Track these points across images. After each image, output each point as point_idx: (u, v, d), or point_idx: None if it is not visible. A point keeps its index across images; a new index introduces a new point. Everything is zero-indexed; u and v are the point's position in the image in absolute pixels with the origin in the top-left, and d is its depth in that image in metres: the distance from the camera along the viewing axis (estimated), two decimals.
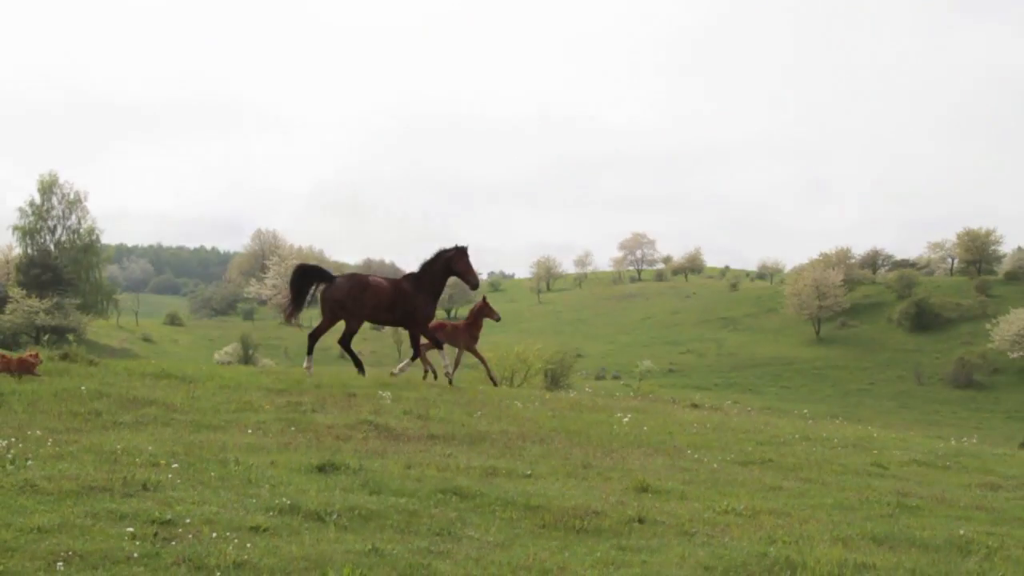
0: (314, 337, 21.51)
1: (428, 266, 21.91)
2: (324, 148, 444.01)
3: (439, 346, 22.17)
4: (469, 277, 21.83)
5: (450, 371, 22.27)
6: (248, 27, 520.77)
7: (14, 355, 16.45)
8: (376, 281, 21.68)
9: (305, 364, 21.69)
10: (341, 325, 21.64)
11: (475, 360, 24.10)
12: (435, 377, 22.99)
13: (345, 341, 22.02)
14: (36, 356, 16.46)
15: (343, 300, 21.00)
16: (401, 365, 22.62)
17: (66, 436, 11.01)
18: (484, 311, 23.39)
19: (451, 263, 21.74)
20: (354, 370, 21.96)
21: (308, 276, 21.63)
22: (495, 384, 24.23)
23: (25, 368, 15.84)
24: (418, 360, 22.91)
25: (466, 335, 23.69)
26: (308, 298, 21.70)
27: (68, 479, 8.71)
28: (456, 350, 24.19)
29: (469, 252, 21.99)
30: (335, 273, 22.01)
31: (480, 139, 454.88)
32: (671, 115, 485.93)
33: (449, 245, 21.92)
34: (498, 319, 23.58)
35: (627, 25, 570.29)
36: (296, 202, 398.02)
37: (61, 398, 13.38)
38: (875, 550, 8.94)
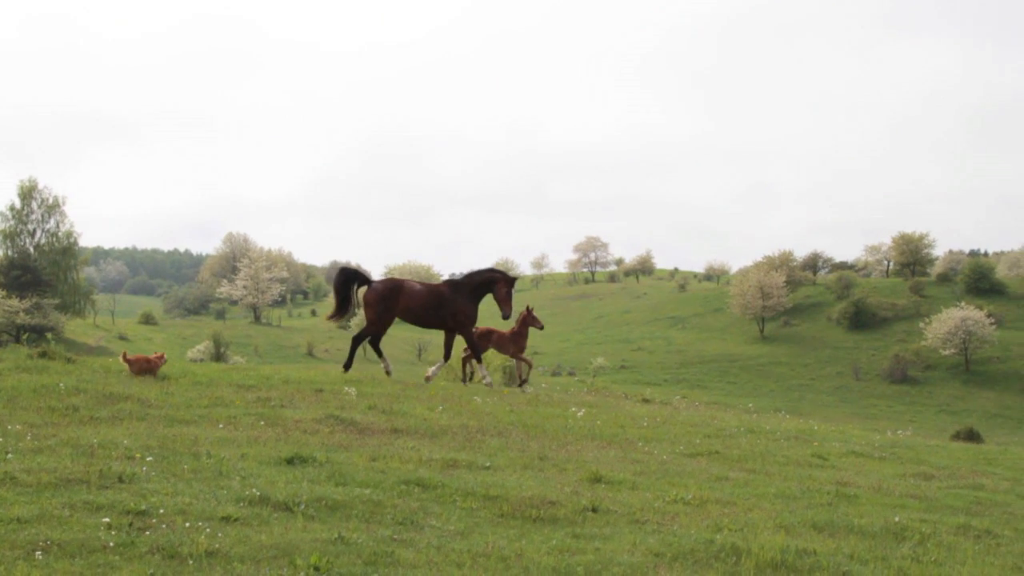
0: (357, 339, 22.05)
1: (471, 277, 22.20)
2: (293, 156, 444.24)
3: (478, 357, 22.40)
4: (504, 307, 22.09)
5: (488, 380, 22.52)
6: (221, 44, 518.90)
7: (147, 356, 17.24)
8: (410, 285, 21.92)
9: (384, 367, 22.61)
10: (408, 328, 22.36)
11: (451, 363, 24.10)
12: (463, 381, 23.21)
13: (374, 340, 22.38)
14: (161, 357, 17.30)
15: (375, 302, 21.29)
16: (432, 369, 22.66)
17: (45, 430, 10.92)
18: (529, 320, 23.40)
19: (494, 285, 22.02)
20: (324, 367, 22.09)
21: (349, 280, 21.94)
22: (522, 388, 24.34)
23: (150, 368, 16.75)
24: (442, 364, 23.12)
25: (512, 344, 23.76)
26: (352, 301, 22.09)
27: (46, 472, 8.64)
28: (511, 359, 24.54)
29: (515, 287, 22.28)
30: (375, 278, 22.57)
31: (444, 149, 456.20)
32: (624, 125, 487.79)
33: (505, 270, 22.31)
34: (542, 327, 23.62)
35: (582, 39, 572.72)
36: (266, 206, 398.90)
37: (40, 394, 13.25)
38: (816, 536, 9.01)
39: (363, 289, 21.96)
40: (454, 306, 21.64)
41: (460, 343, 23.64)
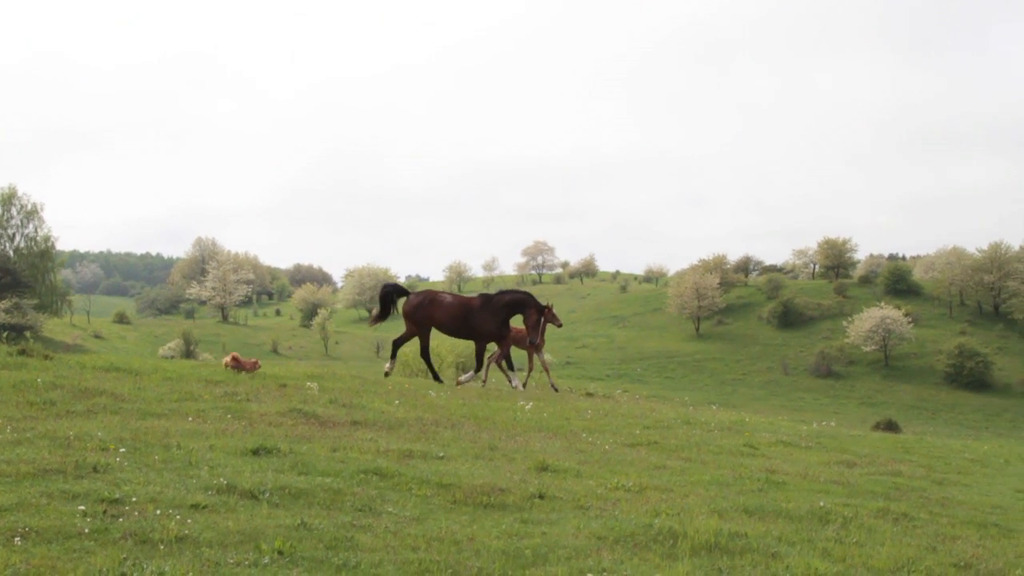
0: (397, 344, 22.39)
1: (503, 294, 22.34)
2: (259, 167, 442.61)
3: (509, 362, 22.61)
4: (532, 333, 22.21)
5: (516, 383, 22.59)
6: (190, 51, 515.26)
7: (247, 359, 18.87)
8: (442, 297, 22.12)
9: (387, 366, 22.91)
10: (444, 337, 22.81)
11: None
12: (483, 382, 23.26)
13: (423, 350, 22.74)
14: (256, 363, 18.86)
15: (412, 312, 21.56)
16: (466, 375, 22.70)
17: (23, 423, 10.79)
18: (548, 317, 23.24)
19: (525, 308, 22.13)
20: (287, 364, 22.30)
21: (390, 293, 22.37)
22: (556, 390, 24.37)
23: (247, 368, 18.28)
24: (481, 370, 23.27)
25: (529, 343, 23.66)
26: (392, 310, 22.86)
27: (25, 463, 8.55)
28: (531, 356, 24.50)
29: (544, 316, 22.42)
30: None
31: (403, 161, 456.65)
32: (570, 139, 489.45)
33: (541, 299, 22.57)
34: (560, 326, 23.49)
35: (532, 59, 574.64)
36: (233, 213, 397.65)
37: (19, 389, 13.07)
38: (747, 520, 9.08)
39: (402, 300, 22.48)
40: (481, 319, 21.78)
41: (447, 343, 23.73)
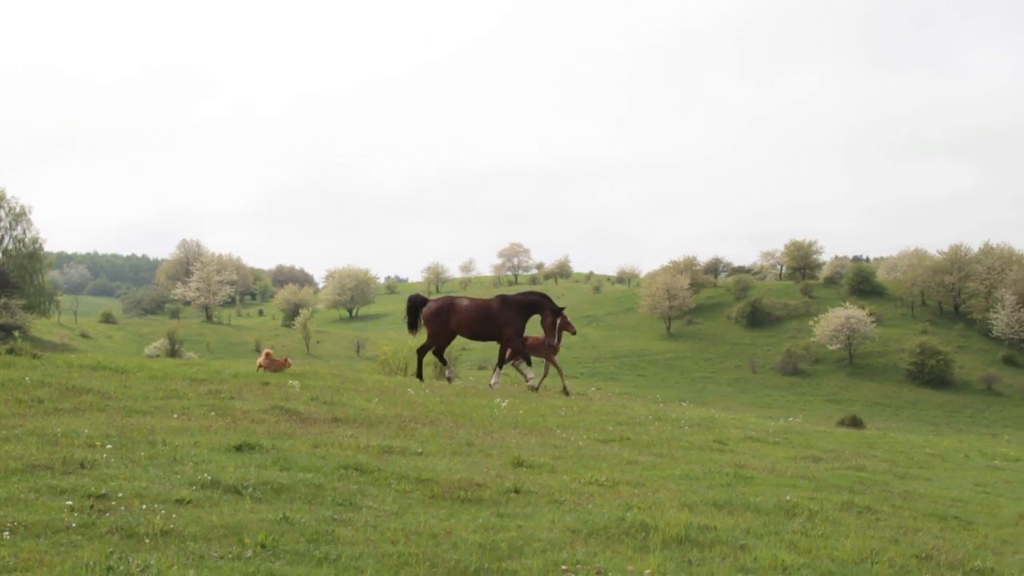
0: (421, 352, 22.48)
1: (522, 296, 22.31)
2: (243, 170, 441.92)
3: (527, 360, 22.57)
4: (548, 334, 22.30)
5: (534, 383, 22.59)
6: (176, 56, 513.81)
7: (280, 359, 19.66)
8: (460, 302, 22.09)
9: (447, 374, 23.66)
10: (462, 340, 22.96)
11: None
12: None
13: (438, 352, 22.75)
14: (287, 361, 19.61)
15: (430, 318, 21.54)
16: (495, 379, 22.60)
17: (12, 421, 10.73)
18: (562, 324, 23.06)
19: (542, 310, 22.11)
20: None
21: (415, 303, 22.38)
22: (566, 393, 24.28)
23: (278, 367, 18.96)
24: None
25: (546, 347, 23.53)
26: (419, 319, 22.77)
27: (13, 459, 8.51)
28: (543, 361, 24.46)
29: (560, 319, 22.37)
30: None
31: (382, 165, 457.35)
32: (546, 144, 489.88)
33: (556, 301, 22.62)
34: (574, 332, 23.32)
35: (510, 69, 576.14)
36: (217, 215, 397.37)
37: (7, 387, 12.99)
38: (716, 514, 9.12)
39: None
40: (501, 319, 21.74)
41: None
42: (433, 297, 23.05)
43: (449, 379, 23.10)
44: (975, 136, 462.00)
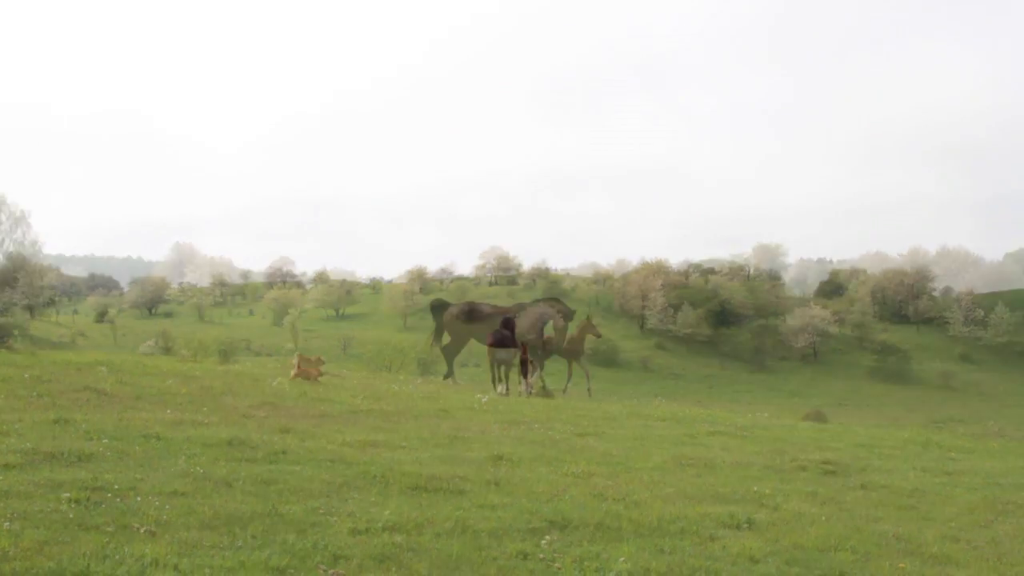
0: (447, 352, 22.50)
1: (538, 303, 22.35)
2: (234, 176, 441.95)
3: (525, 373, 22.59)
4: (558, 337, 22.23)
5: (538, 385, 22.61)
6: (173, 66, 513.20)
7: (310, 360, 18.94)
8: (479, 308, 22.09)
9: (449, 380, 23.29)
10: (476, 346, 22.84)
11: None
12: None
13: (449, 354, 22.64)
14: (319, 361, 18.85)
15: (450, 322, 21.57)
16: (523, 387, 22.51)
17: (12, 416, 10.72)
18: (587, 328, 22.89)
19: (554, 314, 22.07)
20: (260, 361, 22.25)
21: (438, 308, 22.39)
22: (590, 395, 24.18)
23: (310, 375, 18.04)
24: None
25: (570, 350, 23.41)
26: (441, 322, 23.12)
27: (13, 452, 8.52)
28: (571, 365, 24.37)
29: (584, 326, 22.34)
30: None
31: (369, 174, 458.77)
32: (524, 150, 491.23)
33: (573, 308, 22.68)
34: (599, 336, 23.20)
35: (485, 77, 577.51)
36: (210, 219, 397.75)
37: (7, 383, 12.99)
38: (686, 504, 9.18)
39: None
40: (520, 328, 21.71)
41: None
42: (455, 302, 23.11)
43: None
44: (937, 146, 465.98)
